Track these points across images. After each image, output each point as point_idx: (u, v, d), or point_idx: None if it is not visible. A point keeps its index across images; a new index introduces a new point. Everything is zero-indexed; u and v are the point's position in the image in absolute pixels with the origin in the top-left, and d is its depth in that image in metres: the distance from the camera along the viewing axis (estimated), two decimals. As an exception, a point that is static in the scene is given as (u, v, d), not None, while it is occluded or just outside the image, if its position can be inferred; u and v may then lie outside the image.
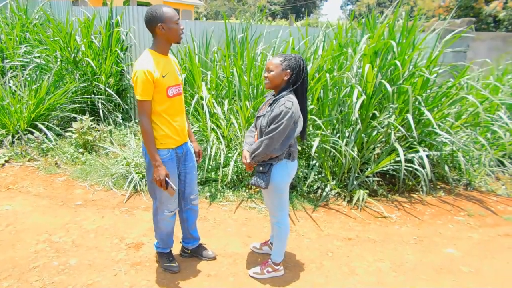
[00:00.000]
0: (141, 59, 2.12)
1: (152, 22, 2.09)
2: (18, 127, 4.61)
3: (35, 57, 5.45)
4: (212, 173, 3.91)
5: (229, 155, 3.92)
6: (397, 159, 3.69)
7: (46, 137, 4.57)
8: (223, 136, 3.97)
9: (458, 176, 4.45)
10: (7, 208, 3.35)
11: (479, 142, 4.38)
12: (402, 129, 3.73)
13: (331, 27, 4.63)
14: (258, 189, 3.85)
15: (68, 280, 2.47)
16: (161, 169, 2.16)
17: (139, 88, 2.06)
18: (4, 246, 2.80)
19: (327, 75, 3.68)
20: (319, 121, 3.63)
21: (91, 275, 2.52)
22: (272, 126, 2.18)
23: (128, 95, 5.60)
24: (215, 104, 4.02)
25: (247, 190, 3.87)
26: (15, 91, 4.83)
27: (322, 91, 3.88)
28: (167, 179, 2.19)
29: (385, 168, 3.87)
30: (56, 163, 4.28)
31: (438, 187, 4.29)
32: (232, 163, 3.72)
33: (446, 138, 3.99)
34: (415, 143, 3.90)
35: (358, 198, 3.70)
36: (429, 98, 4.18)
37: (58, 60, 5.24)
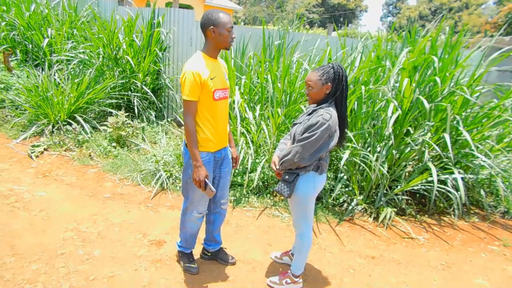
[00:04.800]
0: (191, 60, 2.17)
1: (206, 24, 2.14)
2: (59, 117, 4.84)
3: (80, 53, 5.72)
4: (239, 177, 3.92)
5: (257, 160, 3.92)
6: (430, 179, 3.54)
7: (82, 129, 4.77)
8: (252, 141, 3.97)
9: (495, 203, 4.21)
10: (42, 195, 3.52)
11: (521, 168, 4.12)
12: (437, 148, 3.57)
13: (371, 38, 4.54)
14: (282, 198, 3.82)
15: (91, 270, 2.54)
16: (201, 169, 2.19)
17: (186, 88, 2.11)
18: (36, 230, 2.93)
19: (363, 87, 3.60)
20: (350, 134, 3.56)
21: (112, 268, 2.59)
22: (306, 135, 2.15)
23: (163, 94, 5.74)
24: (247, 108, 4.04)
25: (271, 197, 3.84)
26: (59, 83, 5.09)
27: (356, 103, 3.79)
28: (206, 180, 2.21)
29: (415, 187, 3.73)
30: (89, 155, 4.45)
31: (472, 212, 4.07)
32: (259, 169, 3.71)
33: (484, 161, 3.79)
34: (450, 163, 3.73)
35: (385, 216, 3.58)
36: (468, 118, 3.98)
37: (101, 56, 5.46)
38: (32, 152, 4.33)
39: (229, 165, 2.52)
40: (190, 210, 2.45)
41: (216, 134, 2.29)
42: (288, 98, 4.06)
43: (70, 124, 4.79)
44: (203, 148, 2.27)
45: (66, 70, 5.49)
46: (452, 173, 3.63)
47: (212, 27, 2.12)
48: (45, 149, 4.49)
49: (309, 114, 2.24)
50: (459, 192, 3.53)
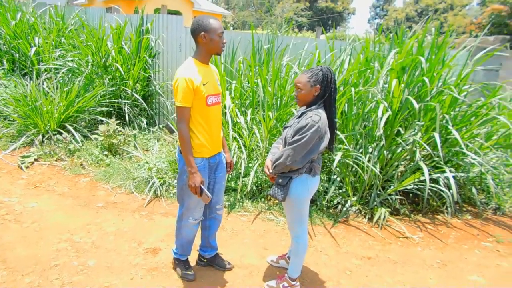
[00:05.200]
0: (183, 67, 2.18)
1: (196, 30, 2.15)
2: (49, 127, 4.78)
3: (68, 61, 5.67)
4: (232, 182, 3.91)
5: (250, 165, 3.92)
6: (422, 178, 3.57)
7: (73, 138, 4.72)
8: (244, 146, 3.97)
9: (486, 200, 4.27)
10: (33, 206, 3.47)
11: (511, 165, 4.20)
12: (428, 147, 3.62)
13: (359, 40, 4.59)
14: (277, 201, 3.82)
15: (86, 281, 2.51)
16: (196, 176, 2.18)
17: (179, 94, 2.11)
18: (29, 242, 2.88)
19: (352, 89, 3.63)
20: (341, 136, 3.58)
21: (108, 278, 2.56)
22: (296, 138, 2.17)
23: (153, 100, 5.71)
24: (238, 113, 4.04)
25: (266, 201, 3.84)
26: (48, 92, 5.03)
27: (346, 105, 3.83)
28: (202, 186, 2.21)
29: (408, 187, 3.77)
30: (81, 164, 4.40)
31: (465, 209, 4.12)
32: (252, 173, 3.71)
33: (474, 159, 3.85)
34: (441, 162, 3.78)
35: (379, 216, 3.61)
36: (457, 117, 4.05)
37: (89, 64, 5.42)
38: (22, 163, 4.27)
39: (223, 170, 2.52)
40: (186, 216, 2.44)
41: (210, 140, 2.30)
42: (279, 102, 4.07)
43: (61, 134, 4.74)
44: (198, 154, 2.27)
45: (55, 79, 5.43)
46: (444, 171, 3.68)
47: (203, 33, 2.13)
48: (35, 160, 4.43)
49: (299, 117, 2.26)
50: (451, 191, 3.58)
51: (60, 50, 5.97)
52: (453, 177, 3.63)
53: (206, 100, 2.20)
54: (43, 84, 5.32)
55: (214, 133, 2.32)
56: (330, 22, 39.87)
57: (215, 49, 2.19)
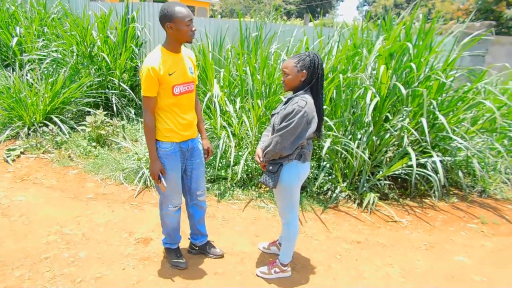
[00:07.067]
0: (149, 56, 2.13)
1: (162, 20, 2.08)
2: (34, 119, 4.69)
3: (52, 51, 5.53)
4: (222, 171, 3.91)
5: (240, 153, 3.92)
6: (410, 163, 3.62)
7: (60, 130, 4.64)
8: (234, 134, 3.96)
9: (472, 183, 4.36)
10: (21, 199, 3.42)
11: (495, 149, 4.28)
12: (415, 133, 3.66)
13: (347, 27, 4.58)
14: (267, 189, 3.84)
15: (78, 272, 2.50)
16: (156, 163, 2.22)
17: (144, 84, 2.10)
18: (17, 236, 2.85)
19: (341, 76, 3.64)
20: (330, 122, 3.60)
21: (99, 268, 2.55)
22: (283, 124, 2.17)
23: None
24: (227, 102, 4.02)
25: (256, 189, 3.86)
26: (32, 84, 4.92)
27: (335, 91, 3.84)
28: (160, 174, 2.24)
29: (397, 172, 3.82)
30: (69, 156, 4.35)
31: (451, 193, 4.20)
32: (242, 161, 3.71)
33: (460, 143, 3.91)
34: (428, 147, 3.84)
35: (369, 201, 3.66)
36: (444, 102, 4.09)
37: (74, 54, 5.30)
38: (8, 156, 4.19)
39: (200, 157, 2.49)
40: (165, 204, 2.45)
41: (180, 125, 2.26)
42: (267, 90, 4.06)
43: (47, 126, 4.65)
44: (167, 139, 2.25)
45: (39, 69, 5.31)
46: (431, 156, 3.74)
47: (168, 23, 2.05)
48: (21, 153, 4.35)
49: (285, 103, 2.26)
50: (438, 175, 3.64)
51: (43, 40, 5.82)
52: (440, 161, 3.69)
53: (173, 90, 2.16)
54: (26, 75, 5.19)
55: (185, 119, 2.29)
56: (319, 9, 39.65)
57: (184, 38, 2.11)
